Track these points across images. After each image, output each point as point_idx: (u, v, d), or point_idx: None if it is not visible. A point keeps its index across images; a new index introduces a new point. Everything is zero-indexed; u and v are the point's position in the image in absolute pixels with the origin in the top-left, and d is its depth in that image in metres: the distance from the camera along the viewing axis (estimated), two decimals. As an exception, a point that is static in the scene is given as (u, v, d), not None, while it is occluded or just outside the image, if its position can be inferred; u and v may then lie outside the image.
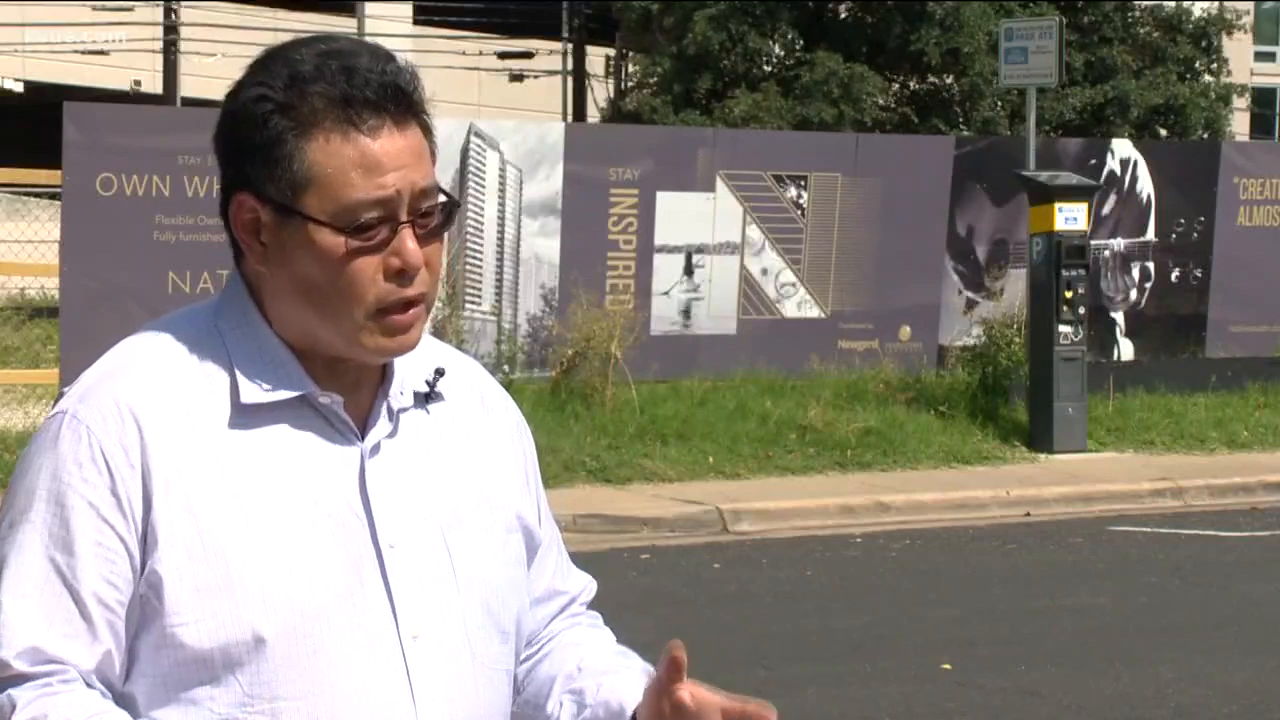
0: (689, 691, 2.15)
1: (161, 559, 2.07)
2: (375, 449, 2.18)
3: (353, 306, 2.11)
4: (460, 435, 2.27)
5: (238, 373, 2.14)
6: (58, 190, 14.48)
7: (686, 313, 16.22)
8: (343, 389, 2.17)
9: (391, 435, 2.20)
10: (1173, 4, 29.84)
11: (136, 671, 2.11)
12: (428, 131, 2.16)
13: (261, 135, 2.11)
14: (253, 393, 2.14)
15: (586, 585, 2.47)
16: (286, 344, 2.16)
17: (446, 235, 2.21)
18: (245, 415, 2.13)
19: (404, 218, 2.11)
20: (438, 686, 2.15)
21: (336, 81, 2.10)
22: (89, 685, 2.07)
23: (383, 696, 2.12)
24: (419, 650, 2.14)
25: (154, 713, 2.10)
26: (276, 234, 2.12)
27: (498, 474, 2.29)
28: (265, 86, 2.12)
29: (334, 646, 2.11)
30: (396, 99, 2.12)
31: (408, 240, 2.11)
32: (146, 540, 2.08)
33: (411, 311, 2.13)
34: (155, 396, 2.12)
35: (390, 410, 2.20)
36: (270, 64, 2.15)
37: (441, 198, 2.15)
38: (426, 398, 2.25)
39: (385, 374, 2.22)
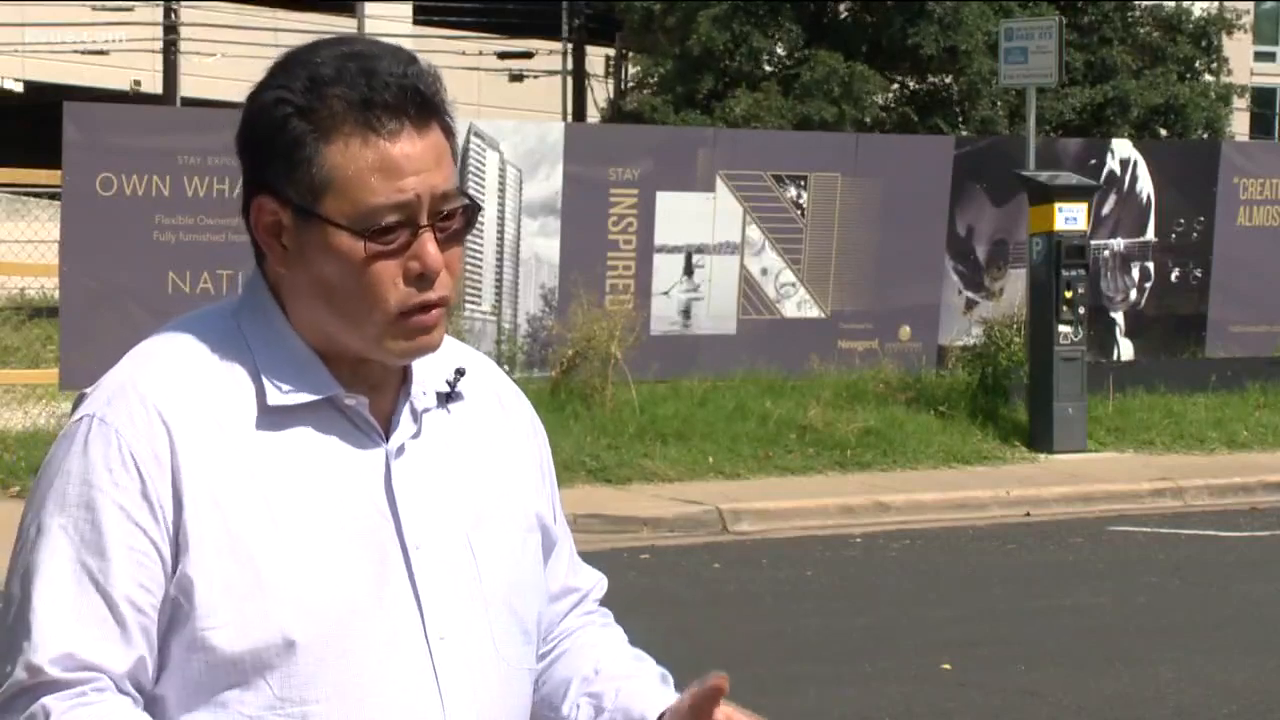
0: (727, 715, 2.17)
1: (193, 561, 2.06)
2: (400, 450, 2.18)
3: (373, 310, 2.10)
4: (480, 435, 2.27)
5: (263, 375, 2.14)
6: (58, 190, 14.48)
7: (686, 313, 16.22)
8: (366, 390, 2.17)
9: (416, 436, 2.20)
10: (1173, 4, 29.85)
11: (167, 673, 2.09)
12: (449, 134, 2.16)
13: (281, 138, 2.10)
14: (278, 395, 2.13)
15: (598, 582, 2.48)
16: (310, 345, 2.16)
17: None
18: (271, 417, 2.13)
19: (424, 221, 2.11)
20: (465, 687, 2.15)
21: (356, 85, 2.09)
22: (122, 691, 2.05)
23: (411, 698, 2.12)
24: (446, 651, 2.14)
25: (184, 714, 2.09)
26: (297, 237, 2.12)
27: (516, 473, 2.29)
28: (285, 89, 2.11)
29: (363, 648, 2.10)
30: (416, 102, 2.11)
31: (428, 244, 2.11)
32: (179, 542, 2.06)
33: (433, 313, 2.13)
34: (182, 398, 2.11)
35: (414, 411, 2.20)
36: (290, 66, 2.13)
37: (463, 200, 2.15)
38: (447, 397, 2.24)
39: (407, 375, 2.21)
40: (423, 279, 2.11)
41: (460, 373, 2.25)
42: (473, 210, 2.15)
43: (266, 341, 2.15)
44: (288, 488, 2.10)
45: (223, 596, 2.06)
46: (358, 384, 2.17)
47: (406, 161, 2.09)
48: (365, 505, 2.14)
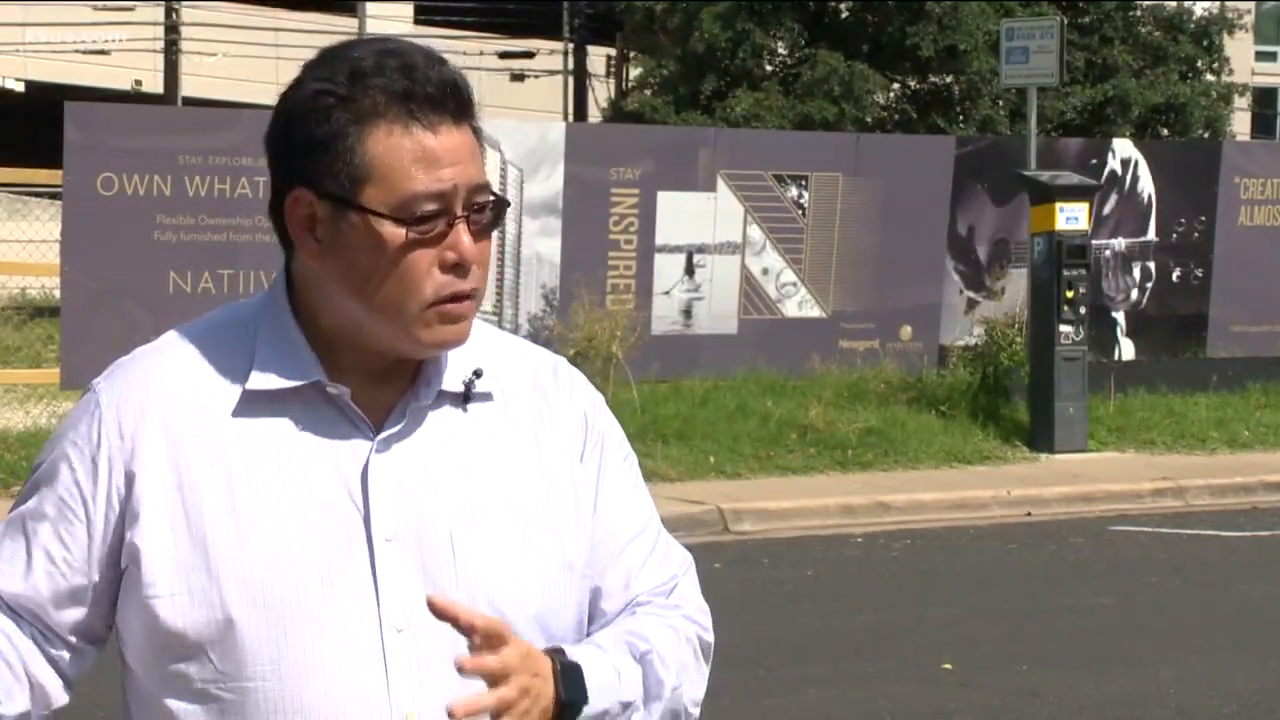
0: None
1: (142, 532, 2.16)
2: (387, 443, 2.20)
3: (408, 298, 2.14)
4: (502, 434, 2.27)
5: (255, 362, 2.20)
6: (58, 190, 14.49)
7: (687, 312, 16.22)
8: (364, 384, 2.20)
9: (408, 432, 2.21)
10: (1174, 3, 29.86)
11: (130, 639, 2.21)
12: (478, 134, 2.21)
13: (323, 129, 2.15)
14: (260, 380, 2.19)
15: (657, 587, 2.34)
16: (308, 336, 2.20)
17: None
18: (252, 402, 2.19)
19: (459, 212, 2.16)
20: (418, 680, 2.16)
21: (397, 78, 2.14)
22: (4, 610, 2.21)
23: (355, 685, 2.14)
24: (401, 643, 2.16)
25: (149, 682, 2.19)
26: (333, 228, 2.16)
27: (542, 472, 2.28)
28: (327, 81, 2.16)
29: (305, 633, 2.14)
30: (455, 98, 2.17)
31: (463, 234, 2.16)
32: (125, 514, 2.17)
33: (465, 304, 2.17)
34: (169, 379, 2.21)
35: (410, 407, 2.22)
36: (329, 60, 2.19)
37: (493, 195, 2.20)
38: (465, 398, 2.26)
39: (417, 371, 2.23)
40: (458, 268, 2.16)
41: (477, 374, 2.26)
42: (501, 205, 2.20)
43: (270, 330, 2.21)
44: (254, 472, 2.17)
45: (170, 568, 2.15)
46: (356, 377, 2.20)
47: (445, 153, 2.15)
48: (338, 493, 2.18)
